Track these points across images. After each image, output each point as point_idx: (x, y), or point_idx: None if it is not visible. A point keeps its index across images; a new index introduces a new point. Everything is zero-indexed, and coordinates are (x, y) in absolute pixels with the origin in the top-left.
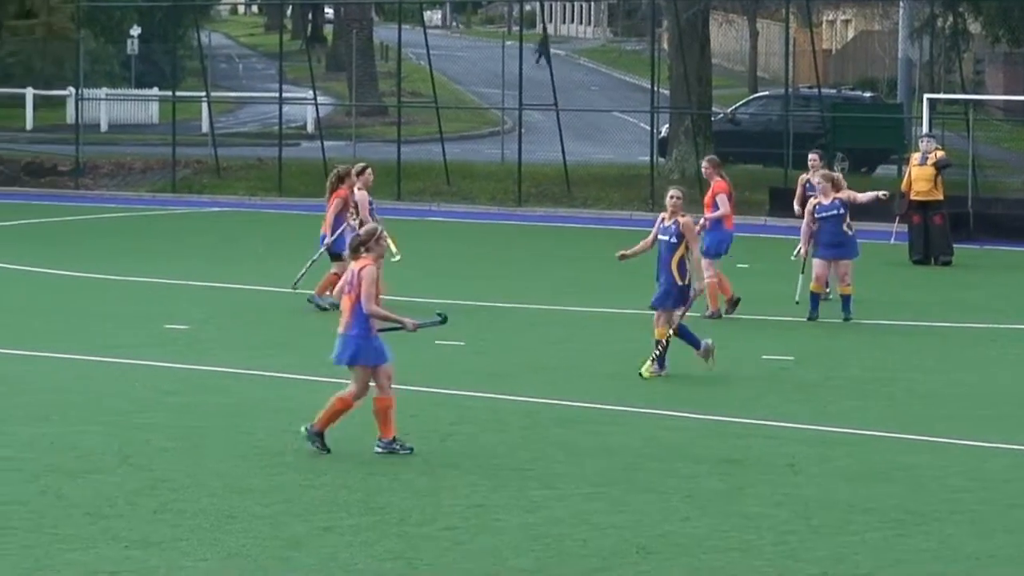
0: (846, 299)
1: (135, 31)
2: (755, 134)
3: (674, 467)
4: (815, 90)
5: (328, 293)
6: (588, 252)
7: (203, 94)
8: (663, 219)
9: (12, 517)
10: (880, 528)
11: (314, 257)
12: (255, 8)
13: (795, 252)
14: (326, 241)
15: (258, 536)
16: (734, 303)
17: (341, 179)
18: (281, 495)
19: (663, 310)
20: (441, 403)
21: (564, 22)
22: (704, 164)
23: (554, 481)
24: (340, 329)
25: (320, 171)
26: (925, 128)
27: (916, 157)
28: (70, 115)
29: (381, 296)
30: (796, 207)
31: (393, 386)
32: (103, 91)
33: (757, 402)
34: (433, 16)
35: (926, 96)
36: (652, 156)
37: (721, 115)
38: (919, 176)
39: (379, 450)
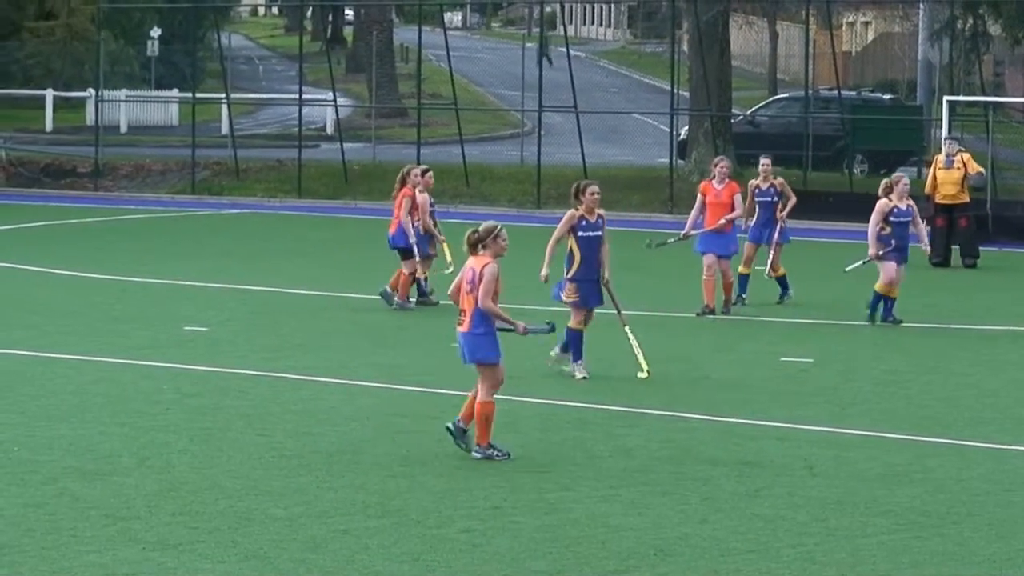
0: (892, 302)
1: (155, 33)
2: (775, 136)
3: (691, 469)
4: (835, 92)
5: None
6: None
7: (223, 96)
8: (584, 217)
9: (30, 519)
10: (898, 530)
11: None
12: (275, 10)
13: (855, 263)
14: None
15: (276, 538)
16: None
17: (404, 180)
18: (299, 497)
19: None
20: (458, 405)
21: (584, 24)
22: (728, 163)
23: (571, 483)
24: (463, 328)
25: (339, 173)
26: (945, 131)
27: (940, 159)
28: (90, 117)
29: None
30: (745, 210)
31: (420, 389)
32: (123, 93)
33: (775, 404)
34: (453, 18)
35: (946, 98)
36: (671, 158)
37: (741, 117)
38: (945, 180)
39: (476, 456)
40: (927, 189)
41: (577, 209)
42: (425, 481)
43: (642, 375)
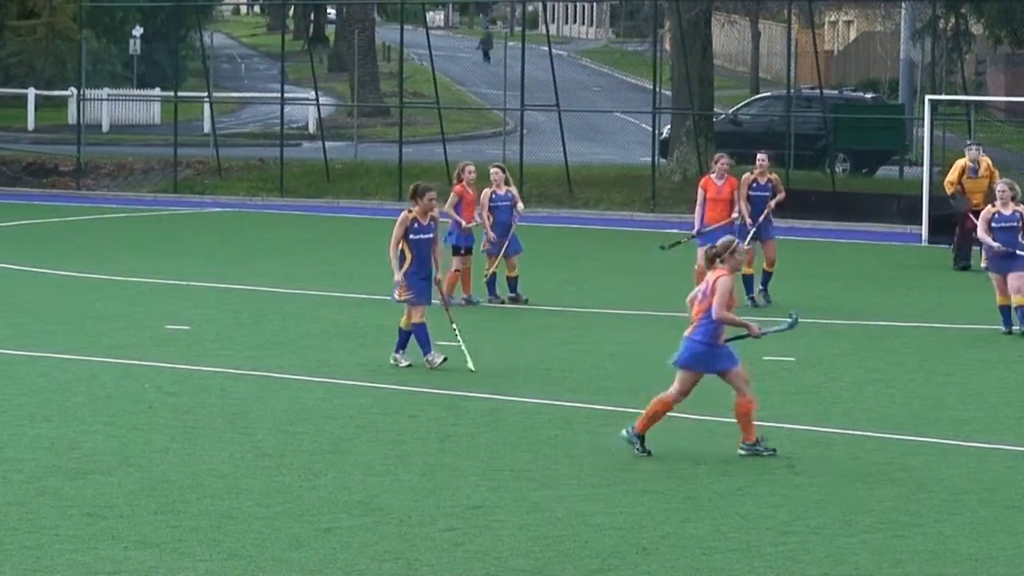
0: (1020, 310)
1: (137, 31)
2: (757, 135)
3: (674, 468)
4: (817, 91)
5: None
6: (589, 253)
7: (205, 94)
8: (416, 219)
9: (12, 518)
10: (880, 529)
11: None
12: (257, 8)
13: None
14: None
15: (258, 537)
16: None
17: (459, 177)
18: (281, 496)
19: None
20: (440, 403)
21: (566, 23)
22: (727, 159)
23: (554, 482)
24: (686, 332)
25: (321, 172)
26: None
27: (963, 165)
28: (72, 115)
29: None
30: (742, 207)
31: (402, 388)
32: (105, 91)
33: (758, 402)
34: (435, 17)
35: (928, 97)
36: (654, 157)
37: (723, 116)
38: (974, 189)
39: (742, 452)
40: (954, 190)
41: (411, 212)
42: (407, 480)
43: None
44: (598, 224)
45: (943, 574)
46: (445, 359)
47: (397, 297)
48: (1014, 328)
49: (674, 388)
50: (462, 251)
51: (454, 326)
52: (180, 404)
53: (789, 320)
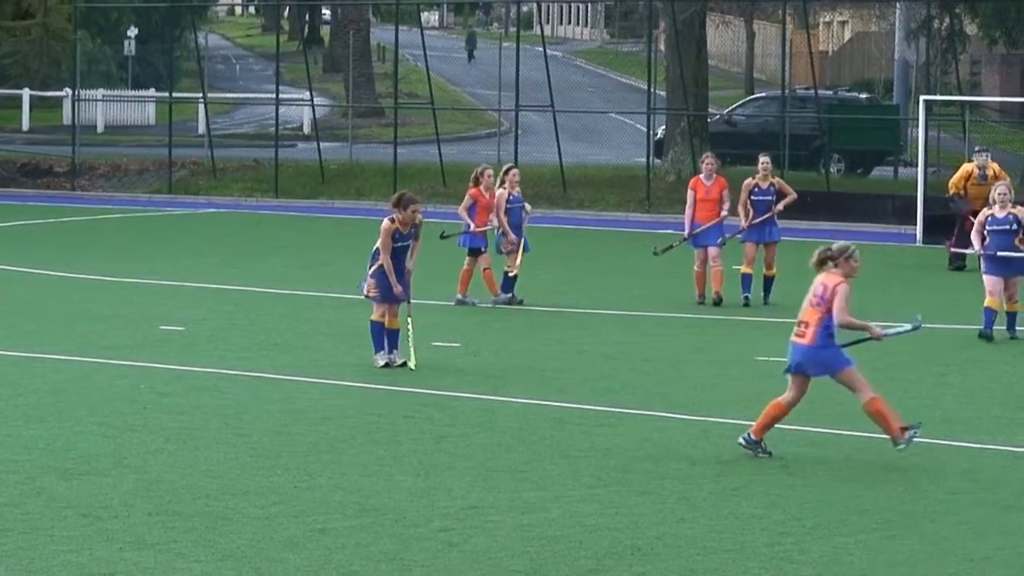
0: (1012, 317)
1: (132, 32)
2: (752, 135)
3: (669, 468)
4: (811, 91)
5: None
6: (584, 253)
7: (200, 95)
8: (398, 230)
9: (7, 518)
10: (875, 529)
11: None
12: (252, 9)
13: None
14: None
15: (253, 537)
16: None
17: (476, 180)
18: (276, 496)
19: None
20: (435, 404)
21: (561, 23)
22: (714, 159)
23: (548, 482)
24: (804, 341)
25: (316, 172)
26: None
27: (970, 170)
28: (66, 116)
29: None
30: (741, 213)
31: (397, 388)
32: (99, 92)
33: (751, 403)
34: (430, 17)
35: (922, 97)
36: (648, 157)
37: (718, 116)
38: (981, 194)
39: (900, 448)
40: (957, 191)
41: (394, 221)
42: (402, 480)
43: (411, 365)
44: (593, 225)
45: (938, 574)
46: (387, 364)
47: (365, 292)
48: (999, 332)
49: (790, 393)
50: (471, 251)
51: (409, 319)
52: (175, 405)
53: (913, 323)
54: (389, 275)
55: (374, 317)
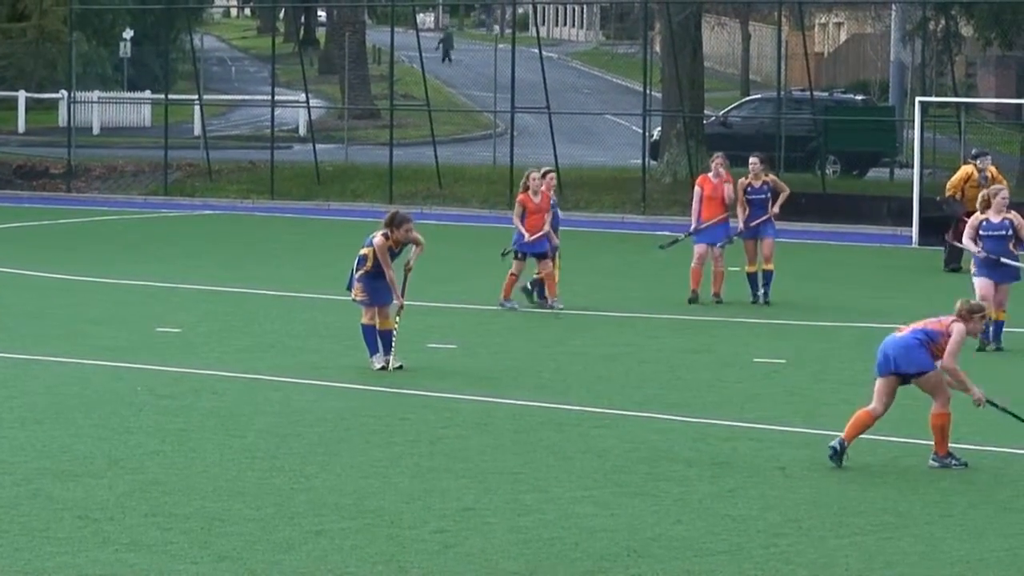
0: (999, 325)
1: (127, 34)
2: (747, 137)
3: (665, 470)
4: (807, 93)
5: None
6: (580, 255)
7: (195, 97)
8: (391, 247)
9: (3, 520)
10: (870, 531)
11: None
12: (248, 11)
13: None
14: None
15: (249, 539)
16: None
17: (525, 186)
18: (272, 498)
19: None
20: (431, 406)
21: (556, 25)
22: (724, 159)
23: (545, 484)
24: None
25: (312, 174)
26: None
27: (969, 172)
28: (62, 118)
29: None
30: (739, 212)
31: (393, 390)
32: (95, 94)
33: (748, 405)
34: (426, 19)
35: (918, 99)
36: (644, 159)
37: (713, 118)
38: (975, 196)
39: (933, 464)
40: (950, 192)
41: (387, 238)
42: (398, 482)
43: (395, 364)
44: (589, 226)
45: None
46: (384, 367)
47: (353, 296)
48: (988, 346)
49: (941, 400)
50: (520, 256)
51: (397, 318)
52: (171, 406)
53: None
54: (392, 287)
55: (364, 321)
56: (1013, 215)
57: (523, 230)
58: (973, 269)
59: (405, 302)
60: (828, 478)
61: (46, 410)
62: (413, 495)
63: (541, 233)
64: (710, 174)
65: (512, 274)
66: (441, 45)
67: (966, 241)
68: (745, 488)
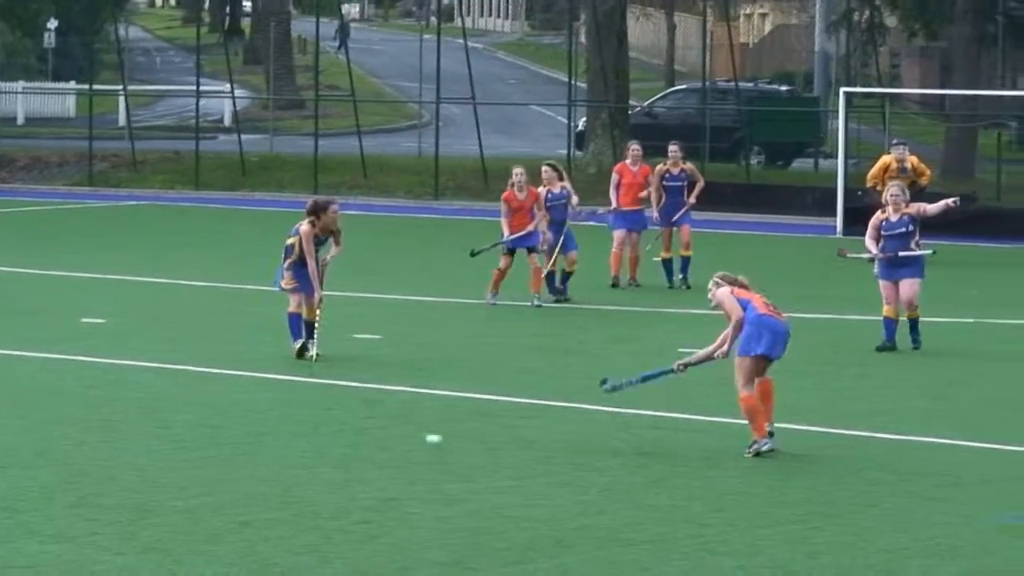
0: (914, 323)
1: (52, 24)
2: (672, 127)
3: (591, 460)
4: (732, 83)
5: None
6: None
7: (120, 87)
8: (318, 235)
9: None
10: (796, 520)
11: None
12: (173, 1)
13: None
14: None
15: (175, 530)
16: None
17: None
18: (198, 489)
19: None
20: (357, 396)
21: (482, 15)
22: (639, 147)
23: (470, 474)
24: None
25: (237, 165)
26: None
27: (888, 162)
28: None
29: None
30: (653, 198)
31: (319, 381)
32: (19, 84)
33: (674, 395)
34: (351, 9)
35: (842, 89)
36: (569, 149)
37: (638, 108)
38: None
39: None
40: (870, 182)
41: (314, 225)
42: (323, 473)
43: (312, 355)
44: None
45: (859, 565)
46: (304, 348)
47: (283, 286)
48: (902, 342)
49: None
50: (508, 251)
51: (318, 310)
52: (96, 397)
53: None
54: (313, 279)
55: (291, 309)
56: (912, 209)
57: (505, 230)
58: (876, 271)
59: (325, 293)
60: (754, 468)
61: None
62: (338, 486)
63: (526, 231)
64: (628, 162)
65: (499, 269)
66: (337, 34)
67: (868, 242)
68: (671, 478)
